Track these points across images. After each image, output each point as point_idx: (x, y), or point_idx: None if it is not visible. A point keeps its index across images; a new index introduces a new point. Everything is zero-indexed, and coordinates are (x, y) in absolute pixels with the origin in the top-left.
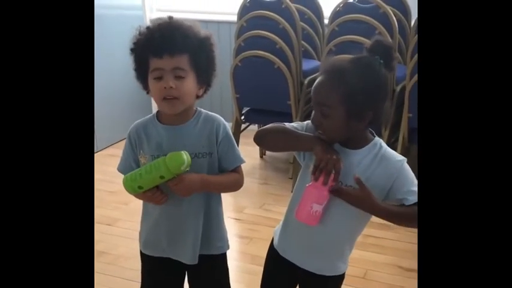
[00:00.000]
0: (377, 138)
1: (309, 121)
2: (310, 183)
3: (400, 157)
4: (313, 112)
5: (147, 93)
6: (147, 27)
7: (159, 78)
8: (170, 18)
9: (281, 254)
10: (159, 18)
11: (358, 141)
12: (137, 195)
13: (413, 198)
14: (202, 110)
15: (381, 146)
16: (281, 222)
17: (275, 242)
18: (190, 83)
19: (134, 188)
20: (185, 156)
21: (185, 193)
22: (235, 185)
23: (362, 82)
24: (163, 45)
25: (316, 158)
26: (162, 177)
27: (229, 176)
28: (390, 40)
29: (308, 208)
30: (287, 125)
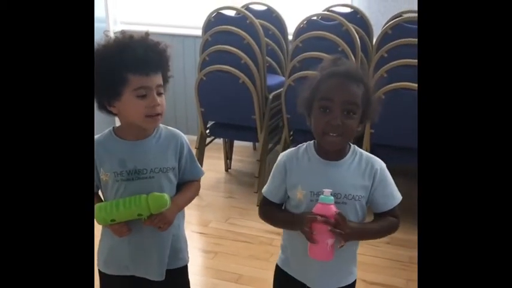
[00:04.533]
0: (352, 145)
1: (299, 146)
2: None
3: (379, 159)
4: (320, 116)
5: (99, 108)
6: (125, 43)
7: (144, 97)
8: (147, 34)
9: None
10: (126, 33)
11: (342, 151)
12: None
13: (393, 202)
14: (160, 124)
15: (359, 151)
16: (284, 252)
17: (287, 269)
18: (164, 99)
19: (106, 220)
20: (168, 199)
21: (165, 228)
22: (196, 194)
23: (369, 86)
24: (151, 63)
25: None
26: (139, 214)
27: (192, 187)
28: (353, 57)
29: (324, 246)
30: (272, 209)
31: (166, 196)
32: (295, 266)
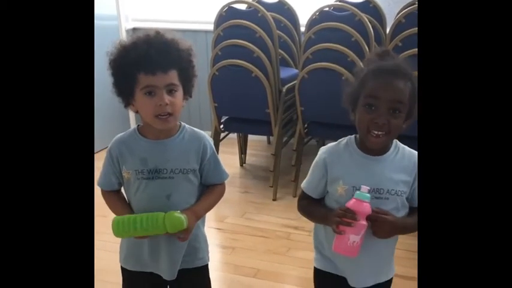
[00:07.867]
0: (394, 139)
1: (343, 140)
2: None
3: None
4: (365, 113)
5: (125, 106)
6: (133, 42)
7: (152, 95)
8: (157, 32)
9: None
10: (143, 31)
11: (384, 146)
12: None
13: None
14: (186, 124)
15: (401, 145)
16: (320, 252)
17: (327, 268)
18: (180, 97)
19: (123, 235)
20: (185, 220)
21: (184, 239)
22: (220, 198)
23: (416, 82)
24: (156, 62)
25: (334, 225)
26: (156, 234)
27: (214, 192)
28: (366, 47)
29: (346, 240)
30: (309, 203)
31: (183, 218)
32: (335, 260)
